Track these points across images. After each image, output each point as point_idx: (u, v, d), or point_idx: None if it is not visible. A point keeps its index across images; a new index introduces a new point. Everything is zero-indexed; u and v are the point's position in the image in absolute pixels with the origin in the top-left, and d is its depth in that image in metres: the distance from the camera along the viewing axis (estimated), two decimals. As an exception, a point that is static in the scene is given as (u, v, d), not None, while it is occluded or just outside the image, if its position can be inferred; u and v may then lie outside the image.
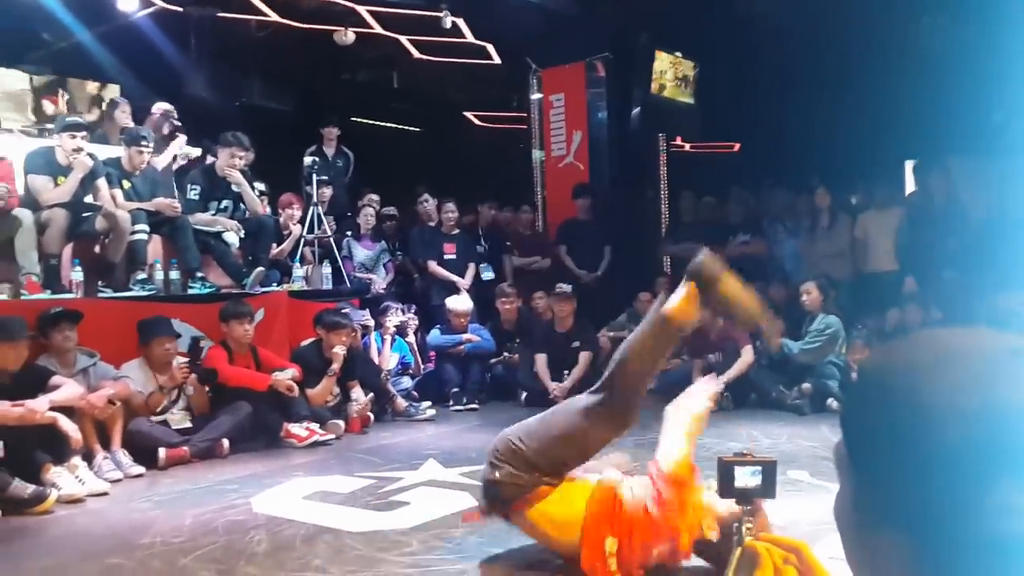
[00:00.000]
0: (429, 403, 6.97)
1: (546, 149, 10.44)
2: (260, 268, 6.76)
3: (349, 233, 8.23)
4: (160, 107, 7.61)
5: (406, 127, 13.28)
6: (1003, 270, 7.07)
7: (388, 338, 7.28)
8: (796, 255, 8.52)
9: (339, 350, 6.22)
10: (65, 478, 4.50)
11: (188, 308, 6.16)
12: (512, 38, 10.18)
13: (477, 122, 13.13)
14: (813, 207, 8.46)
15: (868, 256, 8.03)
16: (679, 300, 2.98)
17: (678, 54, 10.31)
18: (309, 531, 3.83)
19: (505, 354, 7.72)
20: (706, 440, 5.50)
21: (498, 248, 8.98)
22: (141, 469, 5.02)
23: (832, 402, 6.53)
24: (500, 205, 9.55)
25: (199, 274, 6.52)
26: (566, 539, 3.00)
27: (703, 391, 3.18)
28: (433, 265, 8.29)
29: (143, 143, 6.52)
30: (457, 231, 8.51)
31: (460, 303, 7.64)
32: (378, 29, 9.83)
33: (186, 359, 5.53)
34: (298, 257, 7.54)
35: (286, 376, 5.91)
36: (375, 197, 8.83)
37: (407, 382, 7.30)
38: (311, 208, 7.67)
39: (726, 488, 2.34)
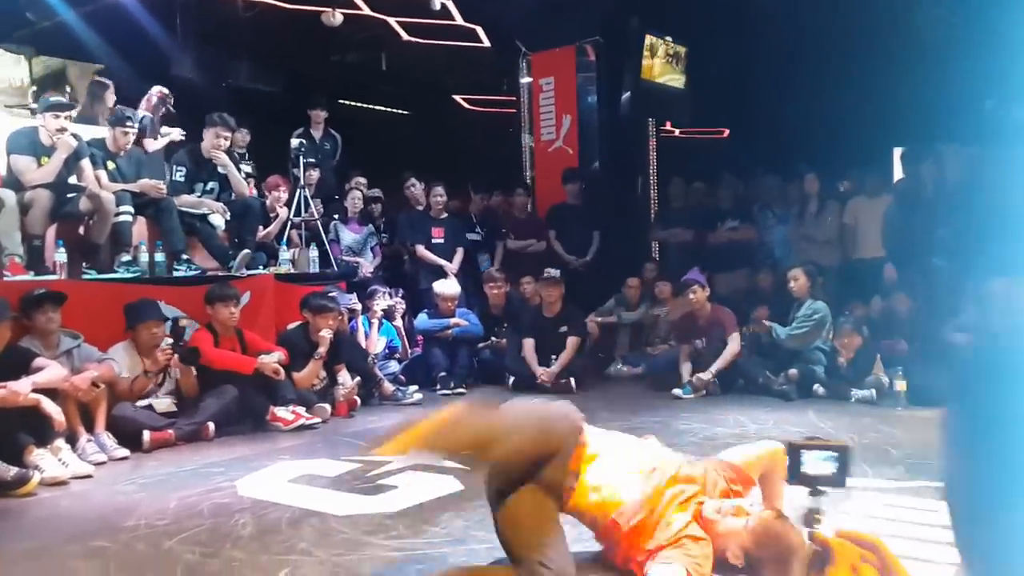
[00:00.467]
0: (416, 387, 6.95)
1: (535, 133, 10.41)
2: (246, 251, 6.71)
3: (336, 216, 8.18)
4: (158, 91, 7.54)
5: (394, 110, 13.20)
6: (992, 258, 7.10)
7: (375, 322, 7.25)
8: (785, 241, 8.53)
9: (326, 334, 6.19)
10: (48, 460, 4.46)
11: (173, 291, 6.11)
12: (502, 21, 10.12)
13: (466, 105, 13.06)
14: (802, 194, 8.46)
15: (856, 243, 8.04)
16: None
17: (669, 38, 10.26)
18: (295, 514, 3.81)
19: (493, 339, 7.70)
20: (692, 425, 5.56)
21: (493, 236, 8.95)
22: (125, 452, 4.99)
23: (818, 388, 6.55)
24: (491, 193, 9.50)
25: (184, 256, 6.47)
26: None
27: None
28: (421, 249, 8.25)
29: (128, 124, 6.46)
30: (446, 215, 8.46)
31: (448, 287, 7.62)
32: (366, 10, 9.75)
33: (168, 340, 5.47)
34: (285, 240, 7.49)
35: (272, 359, 5.88)
36: (362, 180, 8.78)
37: (394, 366, 7.27)
38: (298, 191, 7.62)
39: (794, 474, 2.23)
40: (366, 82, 12.31)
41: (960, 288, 7.23)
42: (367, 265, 8.07)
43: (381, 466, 4.66)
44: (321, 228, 7.72)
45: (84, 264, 6.04)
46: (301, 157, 7.70)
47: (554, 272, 7.93)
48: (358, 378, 6.46)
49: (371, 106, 12.77)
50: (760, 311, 7.36)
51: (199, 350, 5.59)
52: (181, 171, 6.77)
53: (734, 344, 6.88)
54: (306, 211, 7.62)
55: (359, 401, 6.44)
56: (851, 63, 9.49)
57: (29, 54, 8.70)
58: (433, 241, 8.27)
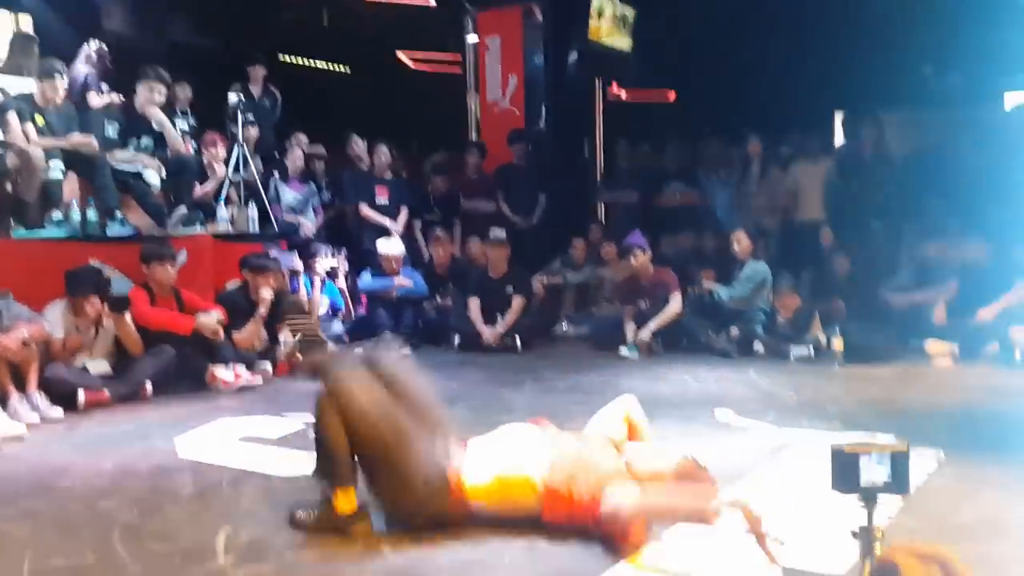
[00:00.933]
0: (360, 348, 6.88)
1: (481, 93, 10.29)
2: (183, 209, 6.53)
3: (276, 174, 8.01)
4: (96, 46, 7.24)
5: (336, 67, 12.93)
6: (930, 220, 7.28)
7: (318, 281, 7.14)
8: (729, 205, 8.61)
9: (266, 293, 6.08)
10: (-23, 422, 4.32)
11: (107, 249, 5.94)
12: (448, -23, 9.94)
13: (410, 63, 12.85)
14: (745, 157, 8.54)
15: (798, 206, 8.16)
16: None
17: (617, 0, 10.20)
18: (236, 475, 3.75)
19: (438, 298, 7.66)
20: (635, 382, 5.60)
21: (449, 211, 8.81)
22: (59, 412, 4.85)
23: (759, 346, 6.67)
24: (440, 164, 9.30)
25: (118, 214, 6.27)
26: None
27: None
28: (365, 208, 8.13)
29: (56, 76, 6.19)
30: (390, 175, 8.35)
31: (392, 247, 7.54)
32: (308, -37, 9.49)
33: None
34: (223, 198, 7.30)
35: (211, 319, 5.76)
36: (303, 138, 8.58)
37: (338, 326, 7.19)
38: (236, 148, 7.42)
39: (845, 482, 1.98)
40: (307, 37, 12.01)
41: (896, 250, 7.43)
42: (309, 224, 7.94)
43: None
44: (261, 186, 7.54)
45: (12, 220, 5.82)
46: (239, 113, 7.49)
47: (500, 233, 7.90)
48: (300, 335, 6.36)
49: (312, 62, 12.48)
50: (706, 272, 7.45)
51: (129, 298, 5.42)
52: (114, 126, 6.54)
53: (675, 303, 6.95)
54: (245, 169, 7.43)
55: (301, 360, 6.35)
56: (795, 27, 9.55)
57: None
58: (377, 200, 8.16)
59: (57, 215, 5.93)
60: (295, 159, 8.10)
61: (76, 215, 6.06)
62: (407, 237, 8.08)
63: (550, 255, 8.70)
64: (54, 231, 5.86)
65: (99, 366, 5.32)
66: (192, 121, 7.78)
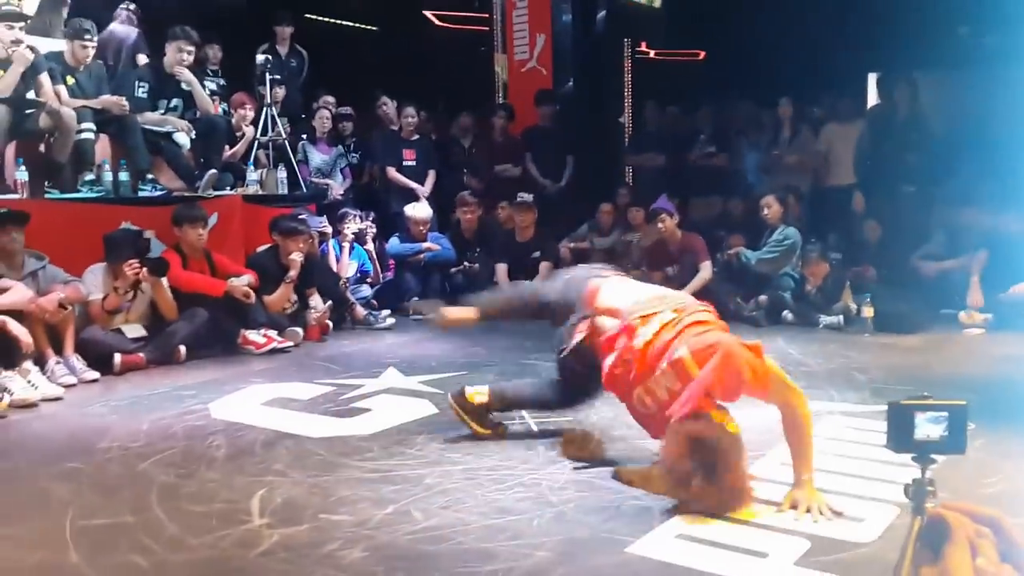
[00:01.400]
0: (388, 312, 6.92)
1: (509, 53, 10.18)
2: (213, 171, 6.57)
3: (304, 136, 8.01)
4: (132, 6, 7.34)
5: (363, 26, 12.81)
6: (962, 185, 7.15)
7: (346, 245, 7.17)
8: (758, 168, 8.52)
9: (296, 257, 6.12)
10: (17, 382, 4.41)
11: (139, 211, 6.00)
12: (475, -66, 9.80)
13: (437, 22, 12.72)
14: (776, 119, 8.42)
15: (829, 170, 8.05)
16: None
17: (645, -43, 10.04)
18: (269, 436, 3.82)
19: (465, 263, 7.67)
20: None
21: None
22: (95, 374, 4.94)
23: (787, 314, 6.63)
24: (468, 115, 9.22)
25: (149, 176, 6.32)
26: None
27: None
28: (392, 171, 8.13)
29: (87, 36, 6.20)
30: (417, 137, 8.32)
31: (419, 211, 7.54)
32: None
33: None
34: (252, 160, 7.32)
35: (242, 282, 5.81)
36: (330, 99, 8.55)
37: (366, 290, 7.23)
38: (264, 109, 7.41)
39: (900, 439, 1.90)
40: (333, -4, 11.90)
41: (928, 216, 7.32)
42: (337, 187, 7.95)
43: (355, 389, 4.67)
44: (289, 148, 7.55)
45: (46, 183, 5.88)
46: (267, 74, 7.47)
47: (527, 197, 7.87)
48: (330, 302, 6.41)
49: (339, 21, 12.38)
50: (735, 238, 7.39)
51: (168, 261, 5.48)
52: (144, 87, 6.55)
53: (705, 272, 6.91)
54: (273, 130, 7.43)
55: (331, 325, 6.41)
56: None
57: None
58: (404, 163, 8.15)
59: (89, 176, 5.98)
60: (323, 120, 8.08)
61: (108, 176, 6.11)
62: (434, 200, 8.07)
63: (578, 219, 8.66)
64: (87, 193, 5.92)
65: (134, 330, 5.40)
66: (222, 81, 7.79)
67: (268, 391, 4.67)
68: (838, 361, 5.24)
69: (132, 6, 7.40)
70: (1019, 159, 6.91)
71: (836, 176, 7.98)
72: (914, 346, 5.75)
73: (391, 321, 6.77)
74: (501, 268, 7.27)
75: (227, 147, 7.23)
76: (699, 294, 6.79)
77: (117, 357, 5.10)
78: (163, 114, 6.60)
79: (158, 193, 6.30)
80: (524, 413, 4.00)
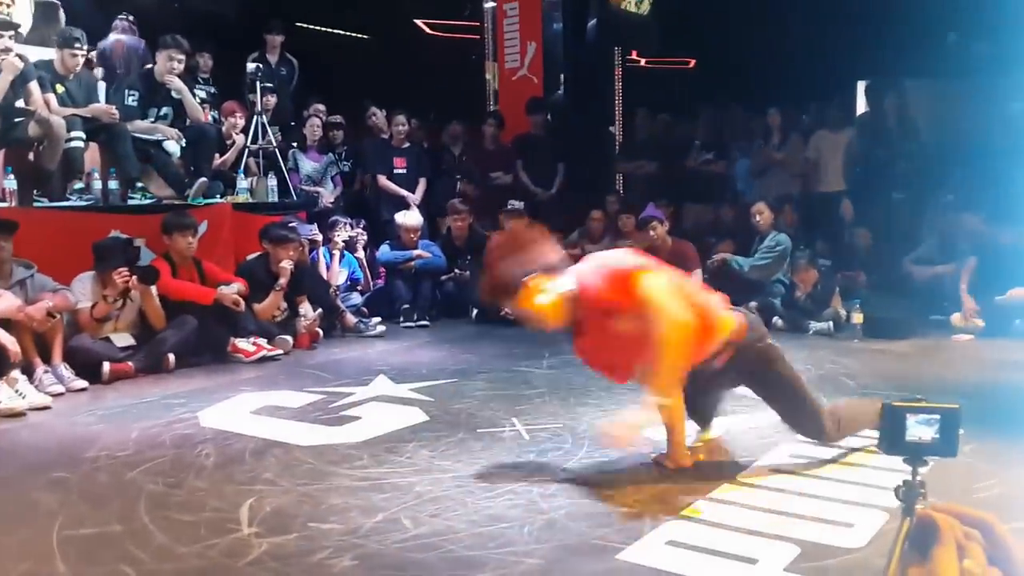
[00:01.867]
0: (379, 319, 6.91)
1: (499, 61, 10.20)
2: (203, 179, 6.55)
3: (295, 144, 8.00)
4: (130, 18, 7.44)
5: (354, 34, 12.83)
6: (953, 192, 7.19)
7: (337, 253, 7.16)
8: (748, 174, 8.55)
9: (286, 264, 6.10)
10: (4, 392, 4.38)
11: (128, 219, 5.97)
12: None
13: (428, 31, 12.75)
14: (766, 126, 8.46)
15: (819, 177, 8.08)
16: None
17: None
18: (258, 445, 3.80)
19: (456, 271, 7.66)
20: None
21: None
22: (84, 383, 4.91)
23: (777, 320, 6.64)
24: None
25: (139, 184, 6.30)
26: None
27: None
28: (383, 179, 8.12)
29: (76, 45, 6.19)
30: (407, 144, 8.32)
31: (410, 218, 7.53)
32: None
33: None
34: (242, 168, 7.31)
35: (232, 290, 5.79)
36: (321, 107, 8.55)
37: (356, 298, 7.22)
38: (255, 117, 7.41)
39: (891, 441, 1.91)
40: (324, 5, 11.91)
41: (918, 221, 7.36)
42: (327, 195, 7.94)
43: (345, 397, 4.66)
44: (279, 156, 7.54)
45: (35, 192, 5.86)
46: (257, 82, 7.46)
47: (518, 204, 7.88)
48: (320, 310, 6.40)
49: (329, 30, 12.40)
50: (724, 245, 7.41)
51: (158, 269, 5.46)
52: (134, 95, 6.54)
53: (696, 279, 6.90)
54: (263, 138, 7.43)
55: (321, 333, 6.39)
56: (817, -6, 9.42)
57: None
58: (395, 171, 8.15)
59: (79, 185, 5.97)
60: (313, 128, 8.08)
61: (97, 184, 6.09)
62: (425, 208, 8.07)
63: (568, 227, 8.65)
64: (76, 201, 5.89)
65: (123, 338, 5.37)
66: (213, 90, 7.79)
67: (257, 399, 4.65)
68: (828, 367, 5.25)
69: (131, 17, 7.41)
70: (1008, 165, 6.96)
71: (825, 183, 8.01)
72: (904, 352, 5.77)
73: (381, 329, 6.75)
74: (492, 275, 7.25)
75: (217, 155, 7.21)
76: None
77: (106, 366, 5.08)
78: (153, 122, 6.58)
79: (148, 201, 6.28)
80: (515, 420, 4.00)
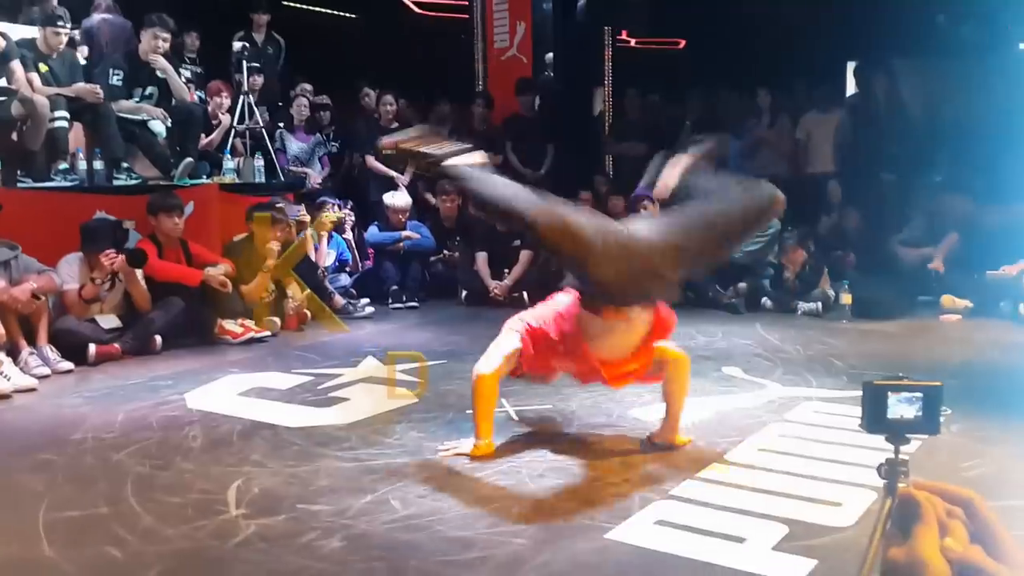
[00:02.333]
0: (367, 300, 6.88)
1: (488, 40, 10.12)
2: (189, 159, 6.50)
3: (282, 125, 7.93)
4: None
5: (341, 13, 12.71)
6: (941, 173, 7.20)
7: (324, 234, 7.11)
8: (738, 156, 8.52)
9: (274, 246, 6.07)
10: (-10, 374, 4.35)
11: (114, 200, 5.92)
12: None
13: (416, 9, 12.63)
14: (756, 108, 8.43)
15: (808, 158, 8.08)
16: None
17: (626, -56, 10.00)
18: (246, 427, 3.78)
19: (445, 252, 7.64)
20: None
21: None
22: (70, 365, 4.87)
23: (766, 301, 6.66)
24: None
25: (124, 164, 6.24)
26: None
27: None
28: (371, 159, 8.07)
29: (60, 23, 6.10)
30: (396, 125, 8.25)
31: (399, 199, 7.49)
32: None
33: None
34: (229, 149, 7.24)
35: (219, 271, 5.75)
36: (308, 87, 8.48)
37: (345, 279, 7.18)
38: (241, 97, 7.33)
39: (874, 419, 1.89)
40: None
41: (907, 203, 7.37)
42: (315, 176, 7.89)
43: (333, 379, 4.64)
44: (266, 136, 7.48)
45: (19, 172, 5.79)
46: (244, 62, 7.38)
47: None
48: (308, 291, 6.36)
49: (316, 8, 12.27)
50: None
51: (146, 252, 5.41)
52: (119, 75, 6.46)
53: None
54: (250, 119, 7.35)
55: (309, 315, 6.36)
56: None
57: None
58: (384, 152, 8.08)
59: (63, 165, 5.90)
60: (300, 109, 8.01)
61: (82, 165, 6.03)
62: (413, 188, 8.03)
63: (558, 207, 8.62)
64: (60, 182, 5.83)
65: (109, 320, 5.33)
66: (199, 69, 7.71)
67: (245, 381, 4.63)
68: (816, 348, 5.26)
69: None
70: (997, 146, 6.97)
71: (815, 164, 8.01)
72: (892, 332, 5.79)
73: (370, 310, 6.73)
74: (481, 257, 7.24)
75: (203, 135, 7.15)
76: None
77: (92, 347, 5.04)
78: (138, 102, 6.52)
79: (133, 182, 6.22)
80: (504, 401, 4.00)
